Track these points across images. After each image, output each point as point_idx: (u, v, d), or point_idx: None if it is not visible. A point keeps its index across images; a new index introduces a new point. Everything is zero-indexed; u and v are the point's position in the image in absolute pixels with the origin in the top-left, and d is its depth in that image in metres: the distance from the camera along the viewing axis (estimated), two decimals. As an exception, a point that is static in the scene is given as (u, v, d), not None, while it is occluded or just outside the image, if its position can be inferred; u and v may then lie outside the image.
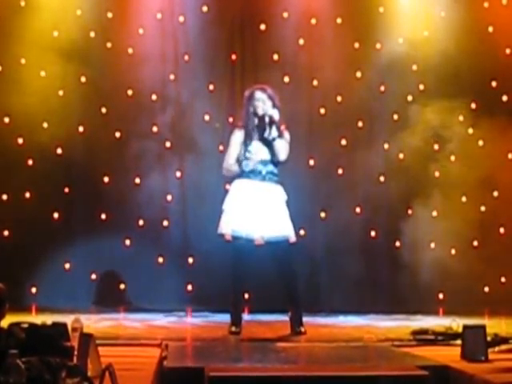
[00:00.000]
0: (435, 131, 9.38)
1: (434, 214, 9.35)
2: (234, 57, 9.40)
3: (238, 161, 6.88)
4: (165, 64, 9.30)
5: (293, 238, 6.86)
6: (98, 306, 8.71)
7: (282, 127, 6.89)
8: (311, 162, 9.31)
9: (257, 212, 6.74)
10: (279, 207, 6.85)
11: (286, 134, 6.89)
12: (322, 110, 9.40)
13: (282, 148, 6.84)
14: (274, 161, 6.86)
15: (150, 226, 9.08)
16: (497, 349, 5.64)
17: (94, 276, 8.99)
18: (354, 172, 9.32)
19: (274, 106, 6.87)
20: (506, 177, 9.39)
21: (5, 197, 9.01)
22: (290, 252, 6.86)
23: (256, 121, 6.85)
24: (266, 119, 6.78)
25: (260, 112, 6.84)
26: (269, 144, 6.82)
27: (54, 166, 8.99)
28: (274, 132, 6.81)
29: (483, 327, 5.43)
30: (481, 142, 9.48)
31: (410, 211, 9.32)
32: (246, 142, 6.87)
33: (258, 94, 6.89)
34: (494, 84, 9.51)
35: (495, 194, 9.44)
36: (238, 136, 6.94)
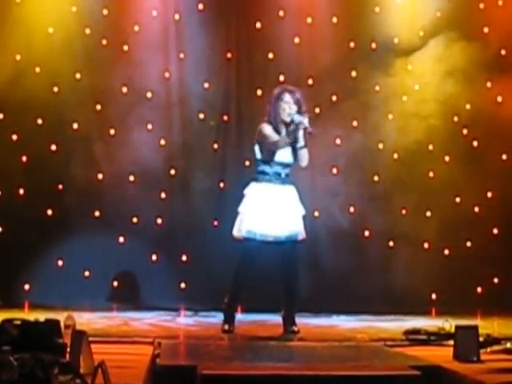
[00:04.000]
0: (430, 131, 9.40)
1: (428, 214, 9.36)
2: (229, 55, 9.39)
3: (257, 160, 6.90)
4: (160, 61, 9.29)
5: (303, 235, 6.88)
6: (91, 303, 8.69)
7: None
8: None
9: (275, 214, 6.74)
10: (296, 208, 6.86)
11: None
12: (317, 110, 9.38)
13: (306, 156, 6.86)
14: (292, 164, 6.87)
15: (143, 224, 9.07)
16: (489, 349, 5.65)
17: (87, 273, 8.98)
18: (349, 171, 9.32)
19: (300, 111, 6.83)
20: (500, 177, 9.40)
21: (-2, 193, 9.01)
22: (297, 251, 6.89)
23: (283, 125, 6.84)
24: (300, 126, 6.72)
25: (286, 117, 6.81)
26: (291, 149, 6.83)
27: (48, 163, 8.97)
28: (302, 141, 6.80)
29: (475, 328, 5.44)
30: (475, 143, 9.49)
31: (403, 211, 9.33)
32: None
33: (287, 97, 6.84)
34: (489, 85, 9.51)
35: (489, 194, 9.45)
36: (269, 128, 6.87)
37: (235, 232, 6.83)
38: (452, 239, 9.29)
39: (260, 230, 6.72)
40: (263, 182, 6.85)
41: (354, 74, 9.43)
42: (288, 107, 6.82)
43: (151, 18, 9.30)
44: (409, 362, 5.04)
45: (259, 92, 9.17)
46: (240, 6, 9.40)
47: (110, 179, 9.08)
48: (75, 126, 9.10)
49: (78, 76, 9.14)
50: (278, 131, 6.85)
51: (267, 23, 9.39)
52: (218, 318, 7.27)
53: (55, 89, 9.08)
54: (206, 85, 9.31)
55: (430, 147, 9.45)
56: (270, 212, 6.75)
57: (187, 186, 9.15)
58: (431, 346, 6.05)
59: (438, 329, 6.25)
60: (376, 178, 9.37)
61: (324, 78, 9.36)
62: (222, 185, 8.70)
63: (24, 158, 9.00)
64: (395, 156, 9.42)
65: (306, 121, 6.75)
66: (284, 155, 6.84)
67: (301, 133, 6.78)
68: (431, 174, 9.43)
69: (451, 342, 5.58)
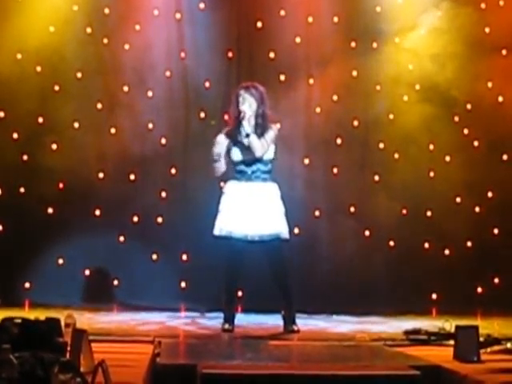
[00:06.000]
0: (430, 131, 9.40)
1: (429, 213, 9.36)
2: (230, 54, 9.39)
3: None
4: (161, 61, 9.29)
5: (285, 235, 6.87)
6: (92, 302, 8.69)
7: (274, 125, 6.93)
8: (306, 161, 9.31)
9: (246, 212, 6.77)
10: (269, 205, 6.86)
11: (271, 132, 6.90)
12: (318, 109, 9.39)
13: (257, 145, 6.83)
14: (260, 160, 6.88)
15: (144, 223, 9.07)
16: (489, 349, 5.64)
17: (87, 272, 8.99)
18: (349, 171, 9.32)
19: (258, 103, 6.88)
20: (501, 178, 9.40)
21: (-1, 191, 9.02)
22: (281, 250, 6.89)
23: (243, 119, 6.88)
24: (241, 115, 6.82)
25: (241, 107, 6.88)
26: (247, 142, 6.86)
27: (48, 162, 8.97)
28: (247, 128, 6.83)
29: (476, 328, 5.43)
30: (476, 143, 9.49)
31: (404, 211, 9.33)
32: (232, 141, 6.91)
33: (241, 92, 6.94)
34: (489, 85, 9.51)
35: (489, 194, 9.44)
36: (218, 143, 6.93)
37: (214, 232, 6.90)
38: (452, 239, 9.29)
39: (231, 227, 6.77)
40: (232, 181, 6.96)
41: (354, 73, 9.43)
42: (242, 99, 6.89)
43: (152, 18, 9.30)
44: (409, 361, 5.04)
45: (260, 91, 9.17)
46: (241, 6, 9.40)
47: (110, 178, 9.09)
48: (76, 124, 9.11)
49: (79, 75, 9.14)
50: (234, 134, 6.88)
51: (268, 22, 9.39)
52: (218, 317, 7.28)
53: (56, 87, 9.09)
54: (207, 84, 9.31)
55: (431, 147, 9.44)
56: (240, 211, 6.80)
57: (188, 185, 9.15)
58: (431, 345, 6.04)
59: (439, 329, 6.24)
60: (377, 178, 9.37)
61: (325, 78, 9.36)
62: (222, 184, 8.69)
63: (25, 157, 9.00)
64: (396, 156, 9.41)
65: (247, 108, 6.84)
66: (243, 152, 6.88)
67: (245, 123, 6.84)
68: (432, 174, 9.42)
69: (451, 342, 5.58)
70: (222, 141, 6.93)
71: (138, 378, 4.39)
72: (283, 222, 6.87)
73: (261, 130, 6.87)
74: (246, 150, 6.86)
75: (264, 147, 6.84)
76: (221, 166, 6.86)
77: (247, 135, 6.82)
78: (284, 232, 6.87)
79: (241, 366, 4.74)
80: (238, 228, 6.76)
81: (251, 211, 6.79)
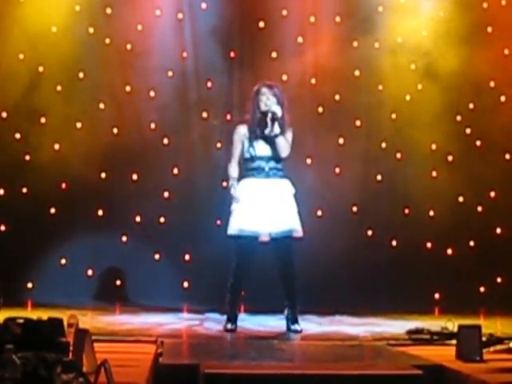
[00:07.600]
0: (432, 130, 9.39)
1: (431, 213, 9.36)
2: (232, 54, 9.40)
3: (241, 159, 6.88)
4: (163, 61, 9.30)
5: (299, 233, 6.85)
6: (94, 302, 8.69)
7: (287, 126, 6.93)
8: (308, 161, 9.31)
9: (263, 209, 6.74)
10: (285, 202, 6.83)
11: (289, 133, 6.89)
12: (320, 109, 9.40)
13: (284, 145, 6.84)
14: (277, 157, 6.86)
15: (146, 223, 9.08)
16: (492, 349, 5.63)
17: (90, 272, 8.99)
18: (351, 171, 9.32)
19: (279, 104, 6.86)
20: (503, 177, 9.40)
21: (1, 191, 9.02)
22: (291, 249, 6.86)
23: (259, 116, 6.85)
24: (269, 115, 6.78)
25: (262, 108, 6.84)
26: (270, 140, 6.83)
27: (51, 162, 8.98)
28: (277, 129, 6.81)
29: (478, 327, 5.42)
30: (478, 142, 9.49)
31: (406, 210, 9.33)
32: (251, 138, 6.88)
33: (264, 90, 6.89)
34: (492, 84, 9.51)
35: (492, 194, 9.45)
36: (239, 133, 6.93)
37: (229, 231, 6.86)
38: (455, 239, 9.30)
39: (248, 226, 6.72)
40: (248, 178, 6.89)
41: (357, 73, 9.44)
42: (266, 98, 6.85)
43: (154, 17, 9.32)
44: (411, 361, 5.04)
45: (262, 91, 9.17)
46: (243, 5, 9.40)
47: (112, 178, 9.10)
48: (78, 124, 9.12)
49: (81, 75, 9.15)
50: (254, 130, 6.85)
51: (270, 22, 9.40)
52: (220, 316, 7.27)
53: (58, 88, 9.10)
54: (209, 84, 9.32)
55: (433, 146, 9.45)
56: (256, 208, 6.75)
57: (190, 185, 9.16)
58: (434, 345, 6.03)
59: (441, 328, 6.24)
60: (379, 178, 9.38)
61: (327, 78, 9.36)
62: (224, 184, 8.69)
63: (27, 157, 9.01)
64: (398, 155, 9.42)
65: (274, 108, 6.77)
66: (262, 149, 6.85)
67: (275, 124, 6.80)
68: (434, 174, 9.43)
69: (454, 342, 5.57)
70: (239, 137, 6.93)
71: (141, 378, 4.39)
72: (297, 220, 6.86)
73: (281, 129, 6.86)
74: (268, 147, 6.85)
75: (288, 148, 6.86)
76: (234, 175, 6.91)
77: (276, 135, 6.80)
78: (298, 229, 6.85)
79: (243, 366, 4.73)
80: (260, 226, 6.72)
81: (270, 208, 6.75)
